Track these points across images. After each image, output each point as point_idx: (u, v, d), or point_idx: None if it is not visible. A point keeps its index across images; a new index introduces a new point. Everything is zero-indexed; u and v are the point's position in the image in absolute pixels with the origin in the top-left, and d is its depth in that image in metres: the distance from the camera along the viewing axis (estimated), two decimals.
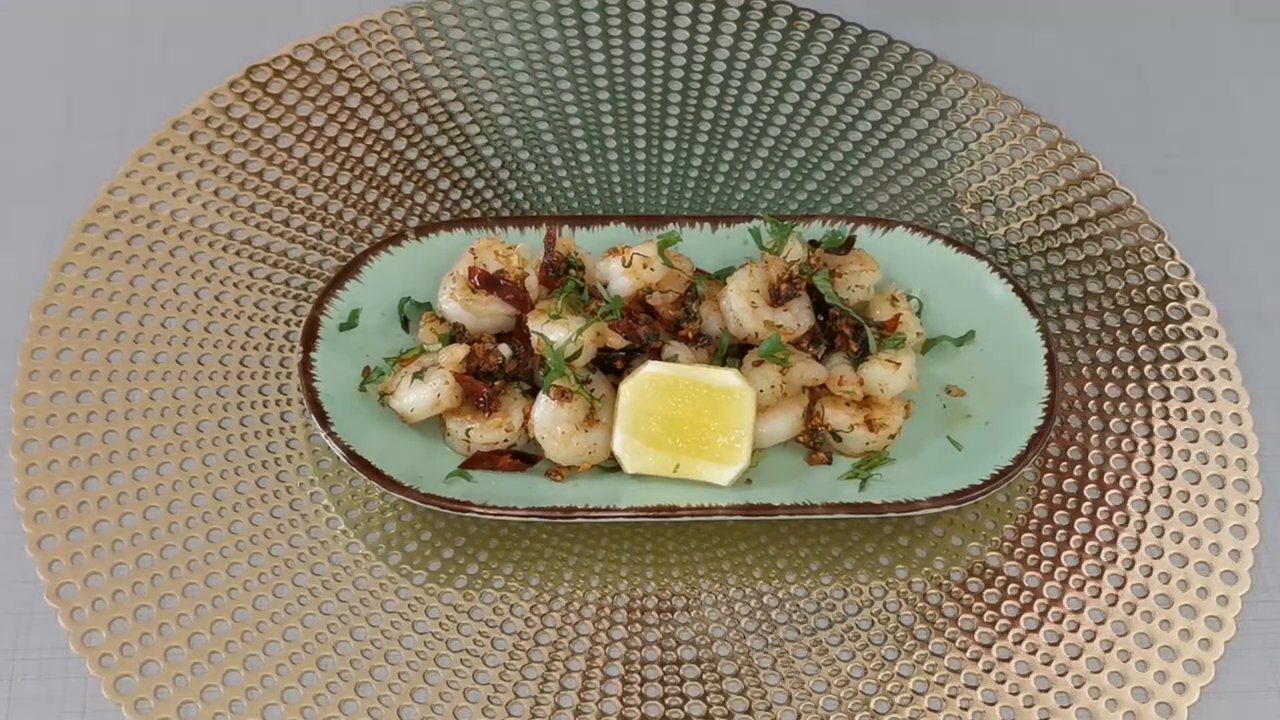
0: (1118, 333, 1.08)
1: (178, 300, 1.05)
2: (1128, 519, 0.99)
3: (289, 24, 1.22)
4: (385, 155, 1.14)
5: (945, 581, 0.96)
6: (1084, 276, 1.11)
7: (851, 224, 1.06)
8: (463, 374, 0.97)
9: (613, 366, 0.98)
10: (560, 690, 0.91)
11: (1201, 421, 1.04)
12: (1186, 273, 1.12)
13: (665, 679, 0.92)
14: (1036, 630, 0.94)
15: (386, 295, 1.03)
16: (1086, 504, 1.00)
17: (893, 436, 0.98)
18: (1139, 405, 1.05)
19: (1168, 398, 1.05)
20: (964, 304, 1.04)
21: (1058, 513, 0.99)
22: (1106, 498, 1.00)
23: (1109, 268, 1.12)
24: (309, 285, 1.06)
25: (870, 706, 0.91)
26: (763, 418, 0.97)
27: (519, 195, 1.13)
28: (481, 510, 0.92)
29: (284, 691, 0.89)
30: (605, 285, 1.00)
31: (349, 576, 0.94)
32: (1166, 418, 1.04)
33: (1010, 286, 1.03)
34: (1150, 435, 1.03)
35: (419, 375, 0.97)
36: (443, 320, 1.01)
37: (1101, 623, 0.95)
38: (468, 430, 0.96)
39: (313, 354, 0.98)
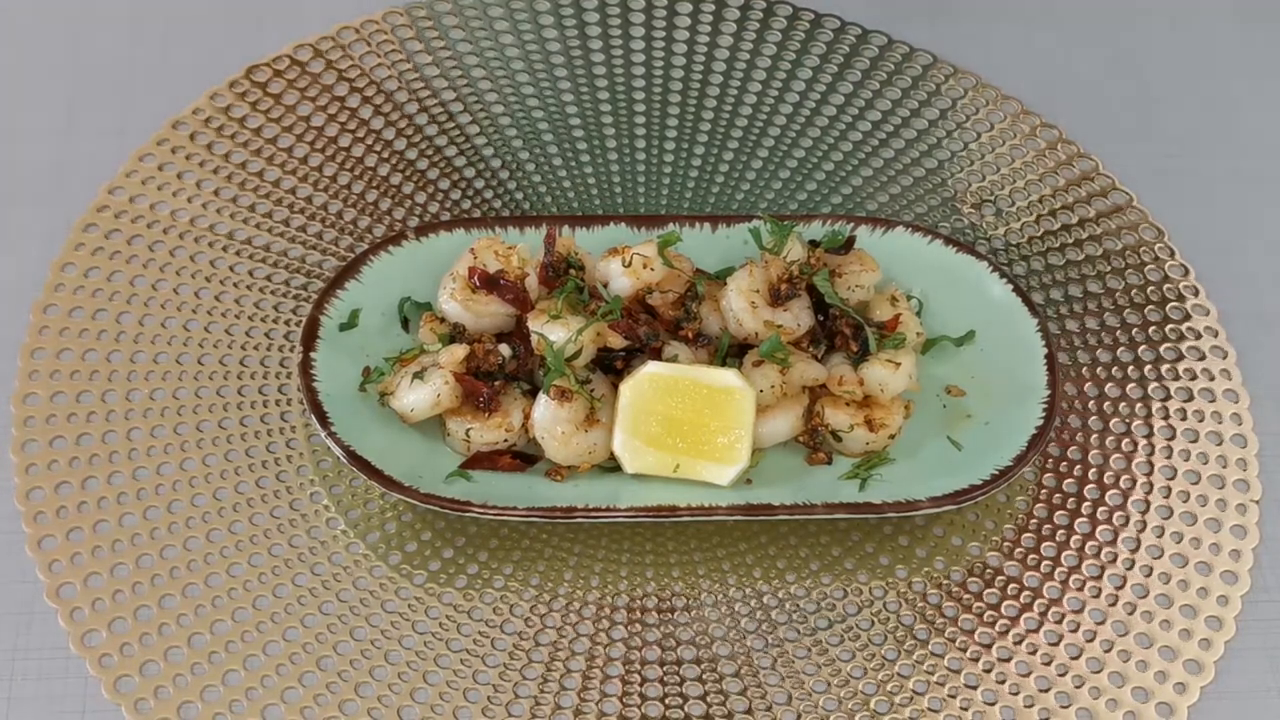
0: (1118, 333, 1.08)
1: (178, 300, 1.05)
2: (1128, 519, 0.99)
3: (289, 24, 1.22)
4: (385, 155, 1.14)
5: (945, 581, 0.96)
6: (1084, 276, 1.11)
7: (851, 224, 1.06)
8: (463, 374, 0.97)
9: (613, 366, 0.98)
10: (560, 690, 0.91)
11: (1201, 421, 1.04)
12: (1186, 273, 1.12)
13: (665, 679, 0.92)
14: (1036, 630, 0.94)
15: (386, 295, 1.03)
16: (1086, 504, 1.00)
17: (893, 436, 0.98)
18: (1139, 405, 1.05)
19: (1168, 398, 1.05)
20: (964, 304, 1.04)
21: (1058, 513, 0.99)
22: (1106, 498, 1.00)
23: (1109, 268, 1.12)
24: (309, 285, 1.06)
25: (870, 706, 0.91)
26: (763, 418, 0.97)
27: (519, 195, 1.13)
28: (481, 510, 0.92)
29: (284, 691, 0.89)
30: (605, 285, 1.00)
31: (349, 576, 0.94)
32: (1166, 418, 1.04)
33: (1010, 286, 1.03)
34: (1150, 435, 1.03)
35: (419, 375, 0.97)
36: (443, 320, 1.01)
37: (1101, 623, 0.95)
38: (468, 430, 0.96)
39: (313, 354, 0.98)
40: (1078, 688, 0.92)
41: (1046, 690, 0.92)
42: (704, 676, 0.92)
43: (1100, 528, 0.99)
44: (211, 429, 0.99)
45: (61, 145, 1.15)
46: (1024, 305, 1.02)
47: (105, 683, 0.89)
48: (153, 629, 0.91)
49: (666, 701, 0.91)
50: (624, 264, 0.99)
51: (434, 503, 0.92)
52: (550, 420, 0.95)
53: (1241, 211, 1.18)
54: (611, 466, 0.97)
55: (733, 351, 1.00)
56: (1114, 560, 0.97)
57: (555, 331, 0.95)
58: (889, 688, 0.91)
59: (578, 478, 0.97)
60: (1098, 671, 0.93)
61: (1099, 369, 1.06)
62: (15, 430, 0.98)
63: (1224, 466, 1.02)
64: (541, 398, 0.95)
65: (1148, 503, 1.00)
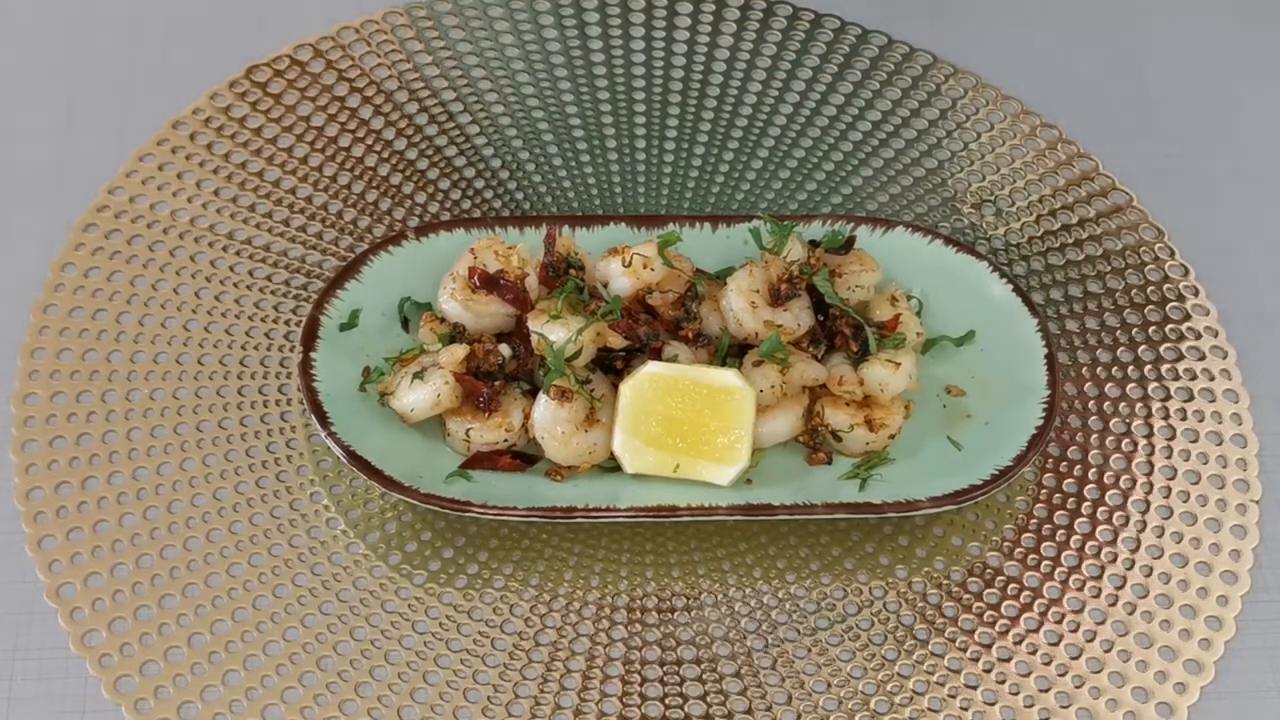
0: (1118, 333, 1.08)
1: (178, 300, 1.05)
2: (1128, 519, 0.99)
3: (289, 24, 1.22)
4: (385, 155, 1.14)
5: (945, 581, 0.96)
6: (1084, 276, 1.11)
7: (851, 224, 1.06)
8: (463, 374, 0.97)
9: (613, 366, 0.98)
10: (560, 690, 0.91)
11: (1201, 421, 1.04)
12: (1186, 273, 1.12)
13: (665, 679, 0.92)
14: (1036, 630, 0.94)
15: (386, 295, 1.03)
16: (1086, 504, 1.00)
17: (893, 436, 0.98)
18: (1139, 405, 1.05)
19: (1168, 398, 1.05)
20: (964, 304, 1.04)
21: (1058, 513, 0.99)
22: (1106, 498, 1.00)
23: (1109, 268, 1.12)
24: (309, 285, 1.06)
25: (870, 706, 0.91)
26: (763, 418, 0.97)
27: (519, 195, 1.13)
28: (481, 510, 0.92)
29: (284, 691, 0.89)
30: (605, 285, 1.00)
31: (349, 576, 0.94)
32: (1166, 418, 1.04)
33: (1010, 286, 1.03)
34: (1150, 435, 1.03)
35: (419, 375, 0.97)
36: (443, 320, 1.01)
37: (1101, 623, 0.95)
38: (468, 430, 0.96)
39: (313, 354, 0.98)
40: (1078, 688, 0.92)
41: (1046, 690, 0.92)
42: (704, 676, 0.92)
43: (1100, 528, 0.99)
44: (211, 429, 0.99)
45: (61, 145, 1.15)
46: (1024, 305, 1.02)
47: (105, 683, 0.89)
48: (153, 629, 0.91)
49: (666, 701, 0.91)
50: (624, 264, 0.99)
51: (434, 503, 0.92)
52: (550, 420, 0.95)
53: (1241, 211, 1.18)
54: (611, 466, 0.97)
55: (733, 351, 1.00)
56: (1114, 560, 0.97)
57: (555, 331, 0.95)
58: (889, 688, 0.91)
59: (578, 478, 0.97)
60: (1098, 671, 0.93)
61: (1099, 369, 1.06)
62: (15, 430, 0.98)
63: (1224, 466, 1.02)
64: (541, 398, 0.95)
65: (1148, 503, 1.00)
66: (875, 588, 0.96)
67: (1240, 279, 1.14)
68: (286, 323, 1.05)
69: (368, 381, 0.99)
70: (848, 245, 1.03)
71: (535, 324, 0.96)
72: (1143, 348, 1.08)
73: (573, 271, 1.00)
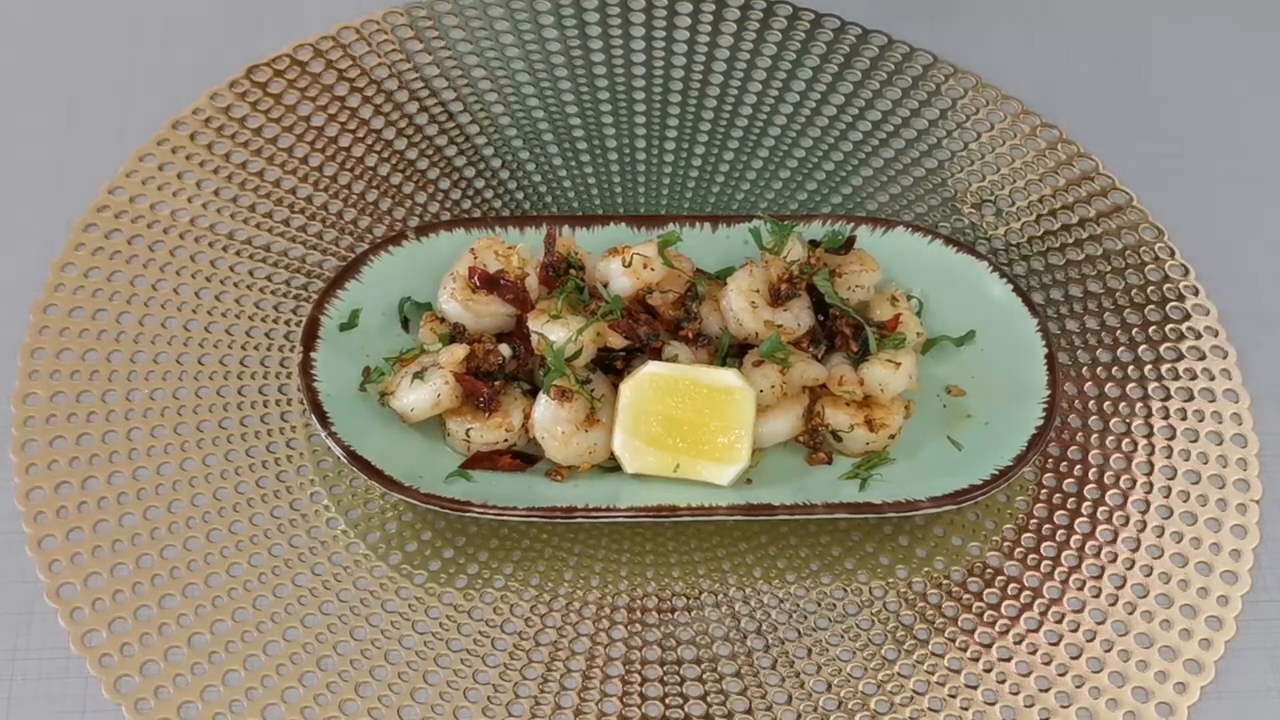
0: (1118, 333, 1.08)
1: (178, 300, 1.05)
2: (1128, 519, 0.99)
3: (289, 24, 1.22)
4: (385, 155, 1.14)
5: (945, 581, 0.96)
6: (1084, 276, 1.11)
7: (851, 224, 1.06)
8: (463, 374, 0.97)
9: (613, 366, 0.98)
10: (560, 690, 0.91)
11: (1201, 421, 1.04)
12: (1186, 273, 1.12)
13: (665, 679, 0.92)
14: (1036, 630, 0.94)
15: (386, 295, 1.03)
16: (1086, 504, 1.00)
17: (893, 436, 0.98)
18: (1139, 405, 1.05)
19: (1168, 398, 1.05)
20: (964, 304, 1.04)
21: (1058, 513, 0.99)
22: (1106, 498, 1.00)
23: (1109, 268, 1.12)
24: (309, 285, 1.06)
25: (870, 706, 0.91)
26: (763, 418, 0.97)
27: (519, 195, 1.13)
28: (481, 510, 0.92)
29: (284, 691, 0.89)
30: (605, 285, 1.00)
31: (349, 576, 0.94)
32: (1166, 418, 1.04)
33: (1010, 286, 1.03)
34: (1150, 435, 1.03)
35: (419, 375, 0.97)
36: (443, 320, 1.01)
37: (1101, 623, 0.95)
38: (468, 430, 0.96)
39: (313, 354, 0.98)
40: (1078, 687, 0.92)
41: (1046, 690, 0.92)
42: (704, 676, 0.92)
43: (1100, 528, 0.99)
44: (211, 429, 0.99)
45: (61, 145, 1.15)
46: (1024, 305, 1.02)
47: (105, 683, 0.89)
48: (153, 629, 0.91)
49: (666, 701, 0.91)
50: (624, 264, 0.99)
51: (434, 503, 0.92)
52: (550, 420, 0.95)
53: (1241, 211, 1.18)
54: (611, 466, 0.97)
55: (733, 351, 1.00)
56: (1114, 560, 0.97)
57: (555, 331, 0.95)
58: (889, 688, 0.91)
59: (578, 478, 0.97)
60: (1098, 671, 0.93)
61: (1099, 369, 1.06)
62: (15, 430, 0.98)
63: (1224, 466, 1.02)
64: (541, 398, 0.95)
65: (1148, 503, 1.00)
66: (875, 587, 0.96)
67: (1240, 279, 1.14)
68: (286, 323, 1.05)
69: (368, 381, 0.99)
70: (848, 245, 1.03)
71: (535, 324, 0.96)
72: (1143, 348, 1.08)
73: (573, 271, 1.00)
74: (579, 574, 0.95)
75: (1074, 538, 0.98)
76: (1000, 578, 0.96)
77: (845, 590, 0.96)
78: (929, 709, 0.91)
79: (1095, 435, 1.03)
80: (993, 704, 0.91)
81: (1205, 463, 1.02)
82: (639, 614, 0.94)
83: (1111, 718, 0.91)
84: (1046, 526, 0.99)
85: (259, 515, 0.96)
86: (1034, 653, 0.93)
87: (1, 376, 1.01)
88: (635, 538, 0.97)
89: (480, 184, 1.14)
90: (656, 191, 1.14)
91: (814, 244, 1.03)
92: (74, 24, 1.23)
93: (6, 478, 0.96)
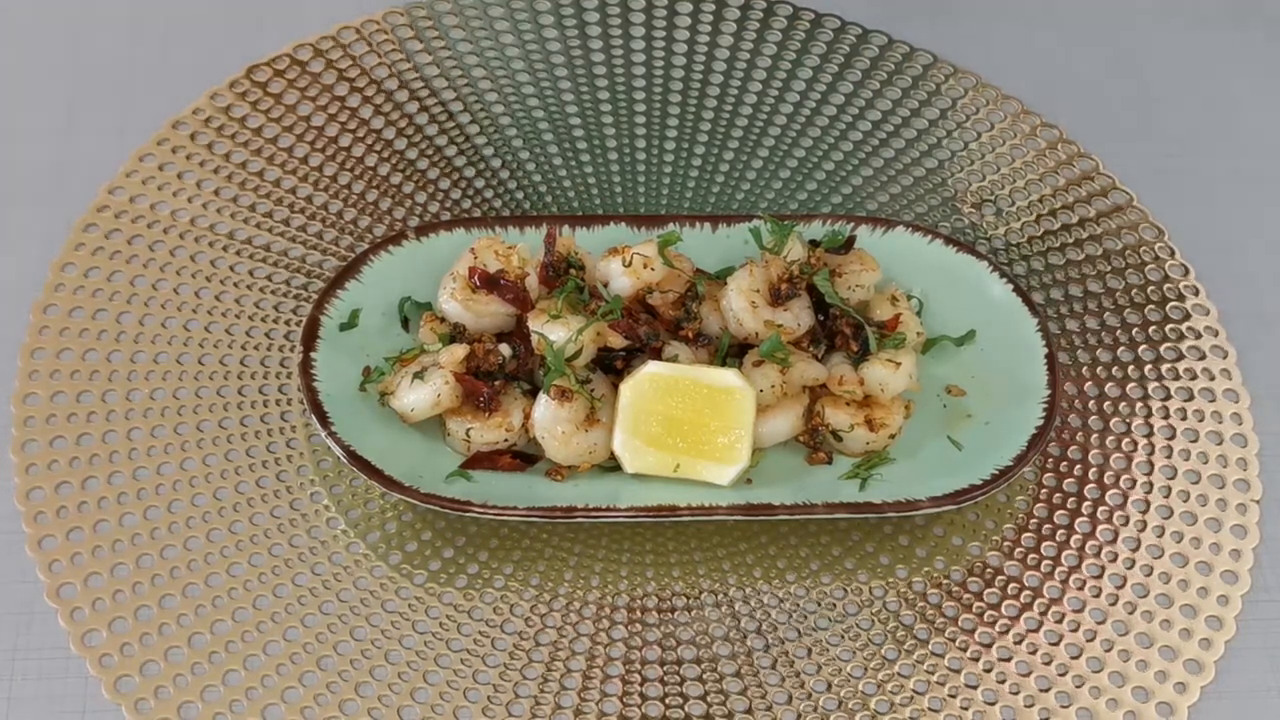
0: (1118, 333, 1.08)
1: (178, 300, 1.05)
2: (1128, 519, 0.99)
3: (289, 24, 1.22)
4: (385, 155, 1.14)
5: (945, 581, 0.96)
6: (1084, 276, 1.11)
7: (851, 224, 1.06)
8: (463, 374, 0.96)
9: (613, 366, 0.98)
10: (560, 690, 0.91)
11: (1201, 421, 1.04)
12: (1186, 273, 1.12)
13: (665, 679, 0.92)
14: (1037, 630, 0.94)
15: (386, 295, 1.03)
16: (1086, 504, 1.00)
17: (893, 436, 0.98)
18: (1139, 405, 1.05)
19: (1168, 398, 1.05)
20: (964, 304, 1.04)
21: (1058, 513, 0.99)
22: (1106, 498, 1.00)
23: (1109, 268, 1.12)
24: (309, 285, 1.06)
25: (870, 706, 0.91)
26: (763, 417, 0.97)
27: (519, 195, 1.13)
28: (481, 510, 0.92)
29: (284, 691, 0.89)
30: (605, 285, 1.00)
31: (349, 576, 0.94)
32: (1166, 418, 1.04)
33: (1010, 286, 1.03)
34: (1150, 435, 1.03)
35: (419, 375, 0.97)
36: (443, 320, 1.01)
37: (1101, 622, 0.95)
38: (468, 430, 0.96)
39: (313, 354, 0.98)
40: (1078, 687, 0.92)
41: (1047, 690, 0.92)
42: (704, 676, 0.92)
43: (1100, 528, 0.99)
44: (211, 429, 0.99)
45: (61, 145, 1.15)
46: (1024, 305, 1.02)
47: (105, 683, 0.89)
48: (153, 629, 0.91)
49: (666, 701, 0.91)
50: (624, 264, 0.99)
51: (434, 502, 0.92)
52: (550, 420, 0.95)
53: (1241, 211, 1.18)
54: (611, 466, 0.97)
55: (733, 351, 1.00)
56: (1114, 560, 0.97)
57: (555, 331, 0.95)
58: (889, 688, 0.91)
59: (578, 478, 0.97)
60: (1098, 671, 0.93)
61: (1099, 369, 1.06)
62: (15, 430, 0.98)
63: (1224, 466, 1.02)
64: (542, 398, 0.95)
65: (1148, 503, 1.00)
66: (875, 587, 0.96)
67: (1240, 279, 1.14)
68: (286, 323, 1.05)
69: (368, 381, 0.99)
70: (848, 245, 1.03)
71: (535, 324, 0.96)
72: (1143, 347, 1.08)
73: (573, 271, 1.00)
74: (579, 574, 0.95)
75: (1074, 537, 0.98)
76: (1000, 577, 0.96)
77: (845, 590, 0.96)
78: (929, 709, 0.91)
79: (1095, 435, 1.03)
80: (993, 704, 0.91)
81: (1205, 463, 1.02)
82: (639, 614, 0.94)
83: (1111, 718, 0.91)
84: (1046, 526, 0.99)
85: (259, 515, 0.96)
86: (1034, 652, 0.93)
87: (1, 376, 1.01)
88: (635, 538, 0.97)
89: (480, 184, 1.14)
90: (656, 191, 1.14)
91: (814, 244, 1.03)
92: (74, 24, 1.23)
93: (6, 478, 0.96)
